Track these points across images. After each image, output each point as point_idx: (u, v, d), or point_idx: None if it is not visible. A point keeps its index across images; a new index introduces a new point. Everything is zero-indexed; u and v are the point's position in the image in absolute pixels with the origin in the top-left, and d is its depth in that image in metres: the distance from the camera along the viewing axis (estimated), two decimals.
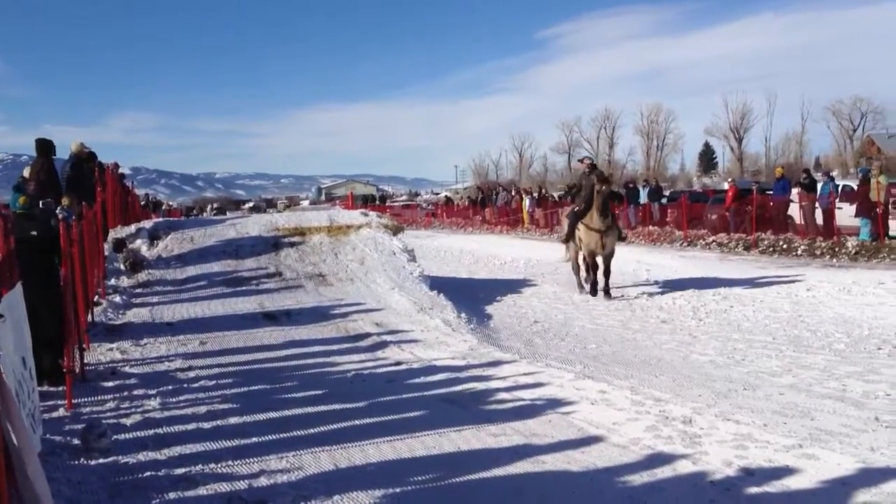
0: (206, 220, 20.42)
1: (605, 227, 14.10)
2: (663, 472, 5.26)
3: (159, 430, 6.29)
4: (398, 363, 8.87)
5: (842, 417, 6.55)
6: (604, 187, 14.19)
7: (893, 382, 7.67)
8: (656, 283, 15.85)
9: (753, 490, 4.89)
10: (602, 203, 14.10)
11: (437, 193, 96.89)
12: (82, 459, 5.55)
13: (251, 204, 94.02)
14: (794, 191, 22.73)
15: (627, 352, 9.76)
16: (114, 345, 9.42)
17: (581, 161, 16.73)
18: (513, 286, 15.93)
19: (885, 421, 6.40)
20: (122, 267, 13.74)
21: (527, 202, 36.19)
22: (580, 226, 14.50)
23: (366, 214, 17.65)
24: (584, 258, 14.78)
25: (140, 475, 5.28)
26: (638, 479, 5.16)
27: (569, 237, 15.19)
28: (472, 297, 13.89)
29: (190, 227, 16.56)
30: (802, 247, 20.08)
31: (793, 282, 14.86)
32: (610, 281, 14.53)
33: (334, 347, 9.65)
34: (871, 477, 5.00)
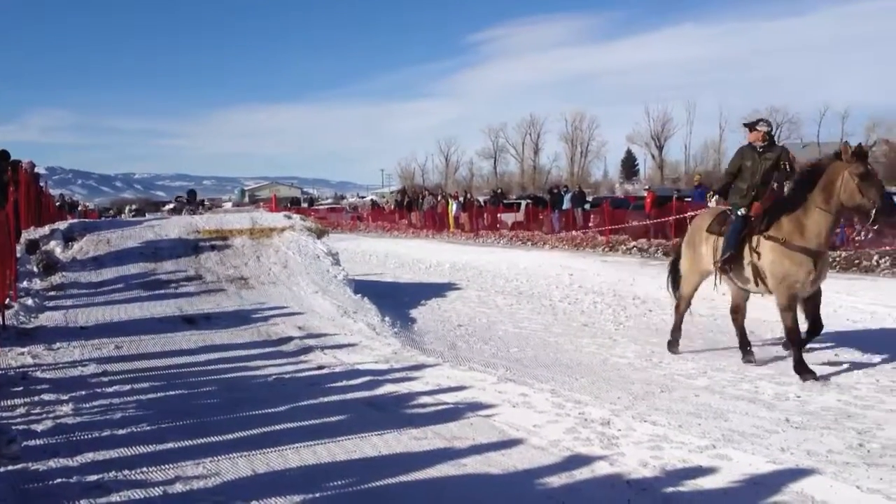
0: (123, 222, 19.91)
1: (824, 244, 8.46)
2: (582, 473, 5.33)
3: (71, 437, 6.08)
4: (320, 367, 8.79)
5: (754, 419, 6.75)
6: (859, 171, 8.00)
7: (803, 385, 7.93)
8: (580, 287, 16.09)
9: (669, 490, 5.00)
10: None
11: (363, 197, 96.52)
12: None
13: (172, 205, 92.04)
14: (713, 198, 23.32)
15: (549, 355, 9.86)
16: (25, 349, 9.09)
17: (754, 127, 9.71)
18: (438, 290, 15.96)
19: (795, 422, 6.61)
20: (35, 269, 13.27)
21: (453, 206, 36.35)
22: (763, 244, 8.69)
23: (289, 217, 17.45)
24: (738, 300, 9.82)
25: (51, 482, 5.11)
26: (557, 480, 5.22)
27: (722, 263, 9.22)
28: (396, 300, 13.86)
29: (106, 229, 16.10)
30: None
31: (709, 286, 15.22)
32: (532, 285, 14.60)
33: (255, 351, 9.50)
34: (781, 476, 5.16)
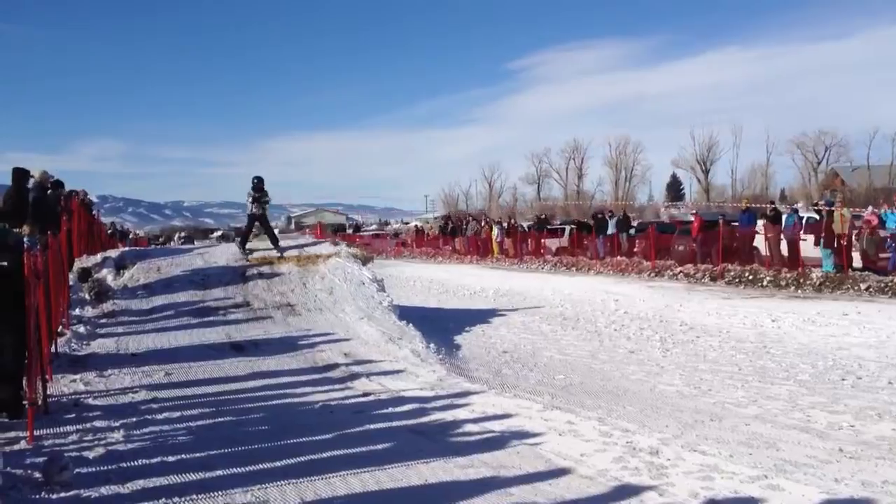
0: (173, 250, 20.25)
1: None
2: (631, 503, 5.27)
3: (122, 464, 6.17)
4: (366, 394, 8.83)
5: (806, 448, 6.62)
6: None
7: (857, 413, 7.78)
8: (625, 313, 15.96)
9: None
10: None
11: (407, 223, 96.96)
12: (44, 493, 5.43)
13: (219, 233, 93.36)
14: (760, 222, 23.04)
15: (595, 382, 9.79)
16: (77, 376, 9.27)
17: None
18: (482, 316, 15.96)
19: (849, 452, 6.48)
20: (87, 297, 13.56)
21: (496, 232, 36.33)
22: None
23: (335, 244, 17.60)
24: None
25: None
26: None
27: None
28: (441, 327, 13.89)
29: (157, 257, 16.40)
30: (768, 278, 20.35)
31: (758, 312, 15.04)
32: (577, 311, 14.56)
33: (302, 378, 9.57)
34: None
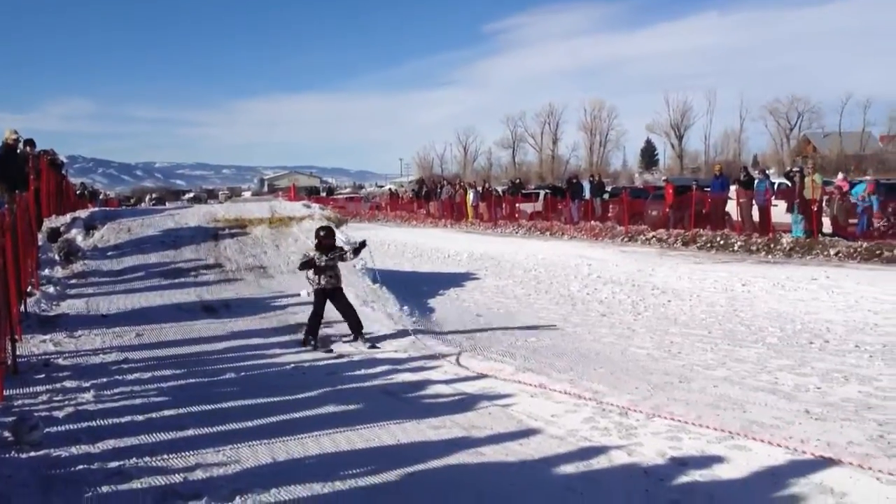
0: (144, 210, 20.05)
1: None
2: (599, 463, 5.34)
3: (93, 424, 6.15)
4: (339, 356, 8.84)
5: (773, 409, 6.72)
6: None
7: (823, 376, 7.90)
8: (598, 277, 16.05)
9: (686, 479, 4.99)
10: None
11: (382, 186, 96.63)
12: (13, 453, 5.39)
13: (191, 194, 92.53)
14: (732, 188, 23.18)
15: (567, 345, 9.86)
16: (47, 336, 9.20)
17: None
18: (456, 280, 15.98)
19: (815, 413, 6.58)
20: (57, 257, 13.40)
21: (471, 196, 36.28)
22: None
23: (308, 206, 17.50)
24: None
25: (73, 469, 5.15)
26: (574, 469, 5.23)
27: None
28: (415, 290, 13.89)
29: (127, 217, 16.22)
30: (739, 243, 20.52)
31: (729, 277, 15.19)
32: (551, 275, 14.60)
33: (274, 340, 9.57)
34: (800, 468, 5.14)
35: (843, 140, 70.05)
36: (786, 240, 19.61)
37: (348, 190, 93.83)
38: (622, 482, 4.98)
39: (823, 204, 20.04)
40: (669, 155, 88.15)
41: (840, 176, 22.69)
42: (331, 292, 9.77)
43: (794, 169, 22.89)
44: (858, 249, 17.70)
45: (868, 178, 20.47)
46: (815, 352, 9.11)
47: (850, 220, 19.60)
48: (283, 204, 19.17)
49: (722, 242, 21.04)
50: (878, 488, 4.77)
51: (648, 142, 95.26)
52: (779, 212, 21.07)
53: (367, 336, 9.66)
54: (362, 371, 8.10)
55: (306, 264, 9.85)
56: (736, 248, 20.42)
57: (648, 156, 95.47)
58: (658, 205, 25.65)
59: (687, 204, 23.51)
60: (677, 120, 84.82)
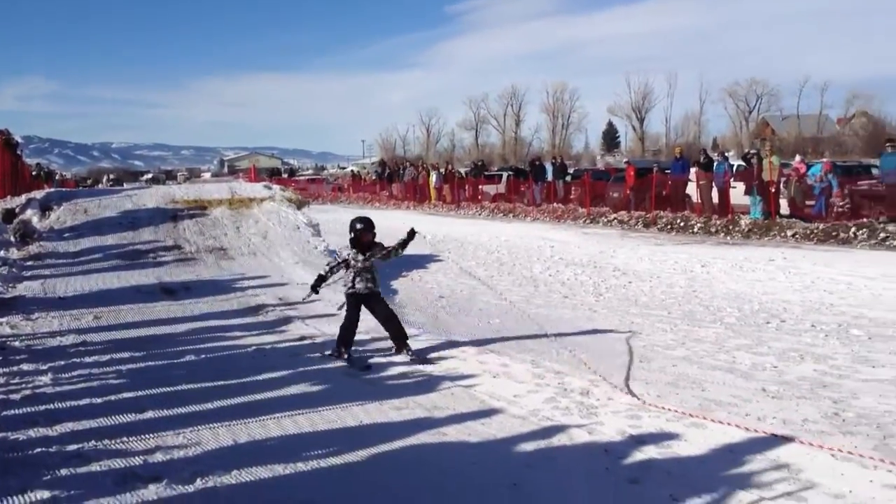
0: (101, 191, 19.75)
1: None
2: (560, 442, 5.39)
3: (50, 406, 6.06)
4: (301, 338, 8.80)
5: (731, 388, 6.82)
6: None
7: (780, 355, 8.03)
8: (560, 259, 16.14)
9: (644, 457, 5.05)
10: None
11: (344, 168, 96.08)
12: None
13: (150, 175, 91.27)
14: (692, 170, 23.42)
15: (530, 326, 9.90)
16: (3, 319, 9.04)
17: None
18: (418, 261, 15.96)
19: (772, 391, 6.70)
20: (12, 238, 13.16)
21: (434, 178, 36.24)
22: None
23: (269, 188, 17.36)
24: None
25: (30, 452, 5.08)
26: (535, 448, 5.27)
27: None
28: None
29: (84, 198, 15.97)
30: (699, 224, 20.76)
31: (689, 258, 15.37)
32: (514, 257, 14.66)
33: (235, 322, 9.49)
34: (757, 445, 5.22)
35: (801, 123, 71.06)
36: (744, 221, 19.87)
37: (310, 171, 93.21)
38: (582, 460, 5.03)
39: (781, 186, 20.32)
40: (631, 137, 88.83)
41: (797, 158, 23.04)
42: (366, 298, 8.06)
43: (752, 151, 23.19)
44: (815, 231, 18.00)
45: (824, 159, 20.79)
46: (771, 331, 9.25)
47: (807, 202, 19.93)
48: (244, 185, 19.02)
49: (682, 224, 21.27)
50: (833, 464, 4.87)
51: (610, 124, 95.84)
52: (738, 194, 21.34)
53: (413, 350, 7.89)
54: (326, 352, 8.06)
55: (338, 268, 8.13)
56: (696, 229, 20.66)
57: (610, 138, 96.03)
58: (619, 187, 25.85)
59: (648, 186, 23.71)
60: (638, 102, 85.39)
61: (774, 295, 11.47)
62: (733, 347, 8.45)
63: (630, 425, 5.67)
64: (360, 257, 7.98)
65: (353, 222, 8.15)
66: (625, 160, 29.87)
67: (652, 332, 9.42)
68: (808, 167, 20.80)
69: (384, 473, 4.86)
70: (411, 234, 8.31)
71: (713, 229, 20.24)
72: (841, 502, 4.33)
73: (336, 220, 26.52)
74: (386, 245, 8.22)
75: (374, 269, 8.11)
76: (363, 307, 8.05)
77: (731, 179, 21.64)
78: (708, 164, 22.41)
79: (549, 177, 29.39)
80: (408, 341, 7.93)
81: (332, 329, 9.12)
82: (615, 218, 23.87)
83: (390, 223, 25.54)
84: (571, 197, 28.25)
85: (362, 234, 8.02)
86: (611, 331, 9.51)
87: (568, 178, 29.85)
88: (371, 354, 8.02)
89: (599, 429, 5.64)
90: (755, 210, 20.15)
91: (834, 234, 17.59)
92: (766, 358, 7.93)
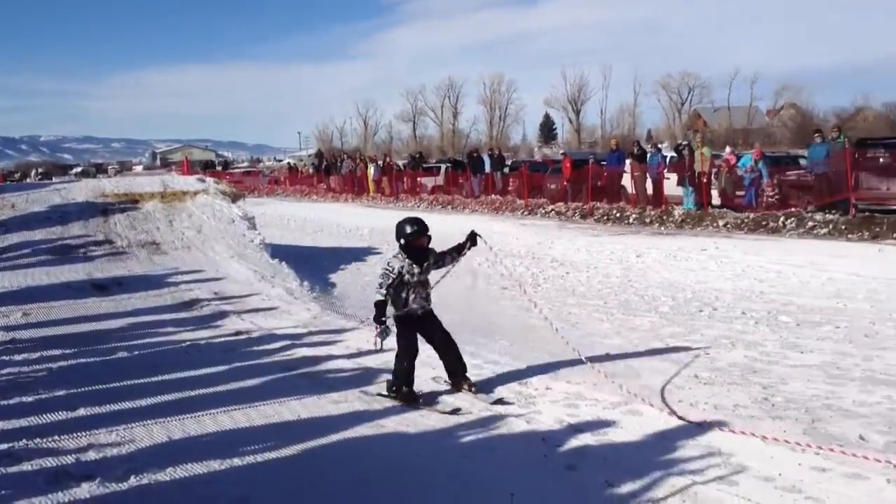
0: (29, 185, 19.22)
1: None
2: (499, 431, 5.44)
3: None
4: (237, 333, 8.68)
5: (665, 375, 6.94)
6: None
7: (712, 341, 8.21)
8: (499, 250, 16.21)
9: (581, 444, 5.12)
10: None
11: (280, 160, 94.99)
12: None
13: (79, 169, 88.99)
14: (627, 161, 23.72)
15: (469, 317, 9.94)
16: None
17: None
18: (357, 254, 15.90)
19: (704, 378, 6.84)
20: None
21: (372, 170, 36.06)
22: None
23: (202, 180, 17.08)
24: None
25: None
26: (474, 438, 5.30)
27: None
28: (315, 265, 13.76)
29: (11, 193, 15.52)
30: (634, 215, 21.07)
31: (624, 249, 15.60)
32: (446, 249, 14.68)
33: (169, 317, 9.32)
34: (690, 430, 5.34)
35: (732, 114, 72.52)
36: (678, 212, 20.23)
37: (245, 164, 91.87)
38: (520, 449, 5.08)
39: (713, 177, 20.73)
40: (568, 129, 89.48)
41: (727, 149, 23.52)
42: (420, 320, 6.45)
43: (684, 143, 23.60)
44: (745, 220, 18.41)
45: (754, 149, 21.24)
46: (704, 319, 9.45)
47: (738, 193, 20.35)
48: (176, 178, 18.68)
49: (618, 215, 21.55)
50: (762, 448, 4.99)
51: (547, 116, 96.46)
52: (671, 185, 21.69)
53: (477, 385, 6.38)
54: (261, 347, 7.97)
55: (392, 286, 6.27)
56: (631, 220, 20.96)
57: (547, 130, 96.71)
58: (556, 178, 26.05)
59: (584, 177, 23.94)
60: (574, 95, 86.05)
61: (707, 284, 11.71)
62: (667, 335, 8.61)
63: (568, 414, 5.75)
64: (416, 269, 6.31)
65: (401, 225, 6.40)
66: (561, 152, 30.09)
67: (589, 321, 9.55)
68: (738, 158, 21.25)
69: (321, 467, 4.83)
70: (472, 237, 6.73)
71: (648, 220, 20.55)
72: (770, 485, 4.44)
73: (273, 213, 26.29)
74: (440, 251, 6.64)
75: (428, 281, 6.57)
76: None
77: (665, 171, 21.98)
78: (642, 156, 22.72)
79: (487, 169, 29.46)
80: (467, 373, 6.46)
81: (269, 323, 9.03)
82: (553, 209, 24.08)
83: (328, 215, 25.45)
84: (509, 189, 28.38)
85: (416, 238, 6.29)
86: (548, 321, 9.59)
87: (506, 170, 29.96)
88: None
89: (537, 418, 5.70)
90: (688, 201, 20.52)
91: (764, 223, 18.01)
92: (699, 345, 8.09)
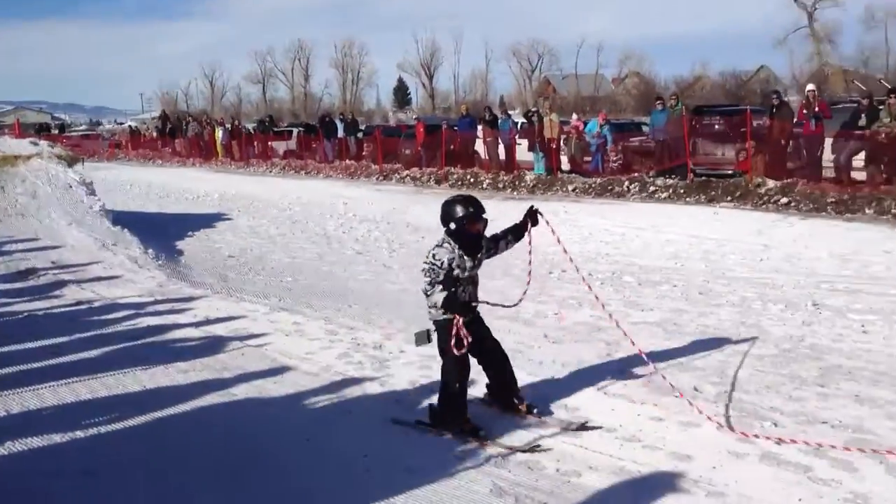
0: None
1: None
2: (353, 394, 5.48)
3: None
4: (78, 302, 8.28)
5: (515, 335, 7.10)
6: None
7: (560, 302, 8.49)
8: (354, 216, 16.16)
9: (430, 402, 5.20)
10: None
11: (122, 123, 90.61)
12: None
13: None
14: (479, 127, 23.99)
15: (323, 284, 9.87)
16: None
17: None
18: (206, 221, 15.44)
19: (552, 337, 7.08)
20: None
21: (220, 134, 34.95)
22: None
23: (36, 143, 16.09)
24: None
25: None
26: (328, 402, 5.31)
27: None
28: (161, 232, 13.26)
29: None
30: (487, 180, 21.39)
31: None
32: (306, 214, 14.47)
33: (2, 287, 8.78)
34: (538, 388, 5.53)
35: (580, 82, 74.62)
36: (529, 177, 20.69)
37: (84, 127, 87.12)
38: (375, 412, 5.12)
39: (562, 143, 21.31)
40: (422, 94, 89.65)
41: (575, 116, 24.21)
42: (468, 325, 4.98)
43: (533, 109, 24.11)
44: (593, 185, 19.04)
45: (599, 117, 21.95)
46: (553, 281, 9.74)
47: (586, 159, 21.00)
48: (8, 142, 17.49)
49: (472, 180, 21.83)
50: (604, 400, 5.24)
51: (401, 80, 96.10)
52: (523, 150, 22.13)
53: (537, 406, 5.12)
54: (104, 317, 7.64)
55: (444, 283, 4.90)
56: (485, 185, 21.28)
57: (401, 95, 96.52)
58: (411, 144, 26.06)
59: (438, 143, 24.08)
60: (427, 59, 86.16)
61: (557, 247, 11.98)
62: (516, 297, 8.79)
63: (421, 375, 5.83)
64: (469, 261, 5.03)
65: (450, 206, 4.98)
66: (415, 117, 30.13)
67: None
68: (585, 124, 21.90)
69: (169, 436, 4.71)
70: (532, 214, 5.50)
71: (501, 185, 20.92)
72: (612, 436, 4.67)
73: (115, 178, 25.10)
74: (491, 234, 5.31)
75: (477, 275, 5.29)
76: None
77: (516, 137, 22.39)
78: (493, 122, 23.04)
79: (341, 133, 29.14)
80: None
81: (112, 293, 8.66)
82: (408, 174, 24.12)
83: (174, 181, 24.57)
84: (364, 154, 28.19)
85: (470, 223, 4.94)
86: (404, 285, 9.65)
87: (360, 135, 29.73)
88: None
89: (391, 380, 5.76)
90: (538, 166, 21.01)
91: (610, 188, 18.68)
92: (548, 306, 8.35)
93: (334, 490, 4.09)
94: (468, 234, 4.92)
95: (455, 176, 22.45)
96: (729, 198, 15.95)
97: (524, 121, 23.68)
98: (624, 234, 12.94)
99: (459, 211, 4.90)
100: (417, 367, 6.02)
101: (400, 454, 4.46)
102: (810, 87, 17.98)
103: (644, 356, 5.16)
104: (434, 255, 4.88)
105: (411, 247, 12.58)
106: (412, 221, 15.19)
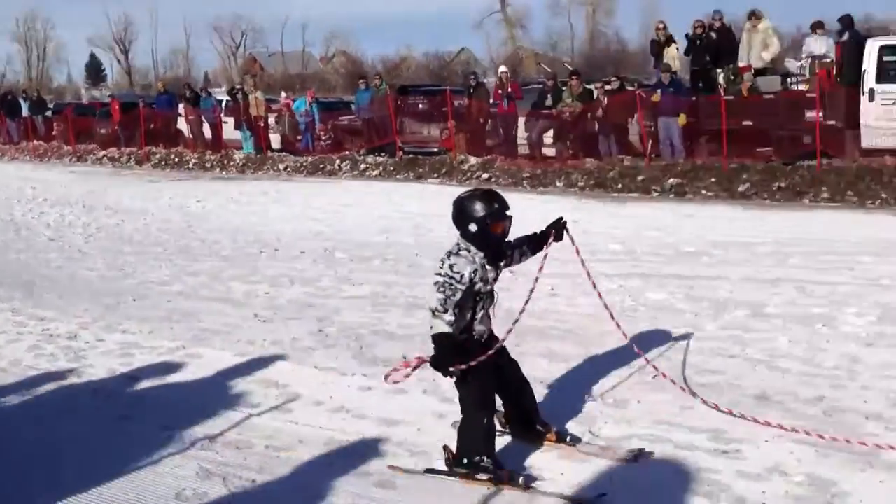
0: None
1: None
2: (48, 388, 5.15)
3: None
4: None
5: (225, 317, 7.00)
6: None
7: (272, 281, 8.41)
8: (45, 200, 15.02)
9: (135, 391, 5.03)
10: None
11: None
12: None
13: None
14: (181, 105, 23.09)
15: (11, 273, 9.09)
16: None
17: None
18: None
19: (263, 316, 7.01)
20: None
21: None
22: None
23: None
24: None
25: None
26: (20, 401, 4.95)
27: None
28: None
29: None
30: (193, 160, 20.73)
31: (184, 194, 15.32)
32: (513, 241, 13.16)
33: None
34: (248, 367, 5.49)
35: (286, 60, 73.89)
36: (238, 156, 20.32)
37: None
38: (69, 405, 4.84)
39: (272, 121, 21.09)
40: (118, 71, 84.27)
41: (283, 94, 24.07)
42: (485, 347, 3.91)
43: (238, 86, 23.64)
44: (305, 164, 19.08)
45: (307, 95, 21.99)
46: (265, 260, 9.64)
47: (297, 137, 20.96)
48: None
49: (177, 160, 21.04)
50: (316, 375, 5.32)
51: (93, 56, 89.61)
52: (230, 129, 21.63)
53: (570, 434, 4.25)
54: None
55: (462, 302, 3.76)
56: (191, 165, 20.60)
57: (95, 71, 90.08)
58: (107, 123, 24.50)
59: (136, 121, 22.86)
60: (120, 34, 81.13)
61: (268, 226, 11.94)
62: (228, 278, 8.63)
63: (121, 363, 5.60)
64: (491, 272, 3.89)
65: (468, 203, 3.81)
66: (109, 94, 28.36)
67: (146, 269, 9.21)
68: (294, 102, 21.82)
69: None
70: (559, 226, 4.12)
71: (208, 164, 20.35)
72: (321, 408, 4.75)
73: None
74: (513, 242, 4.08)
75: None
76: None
77: (222, 115, 21.82)
78: (195, 100, 22.29)
79: (25, 112, 26.75)
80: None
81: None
82: (105, 155, 22.79)
83: None
84: (54, 133, 26.12)
85: (496, 223, 3.78)
86: (102, 271, 9.11)
87: (48, 114, 27.47)
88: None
89: (90, 371, 5.48)
90: (247, 145, 20.67)
91: (322, 166, 18.79)
92: (259, 285, 8.23)
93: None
94: (493, 236, 3.80)
95: (158, 156, 21.54)
96: (435, 174, 16.70)
97: (229, 99, 23.11)
98: (336, 211, 13.13)
99: (480, 209, 3.75)
100: (118, 356, 5.77)
101: (99, 447, 4.24)
102: (503, 68, 19.25)
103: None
104: (451, 267, 3.73)
105: (110, 230, 11.94)
106: (111, 204, 14.42)
